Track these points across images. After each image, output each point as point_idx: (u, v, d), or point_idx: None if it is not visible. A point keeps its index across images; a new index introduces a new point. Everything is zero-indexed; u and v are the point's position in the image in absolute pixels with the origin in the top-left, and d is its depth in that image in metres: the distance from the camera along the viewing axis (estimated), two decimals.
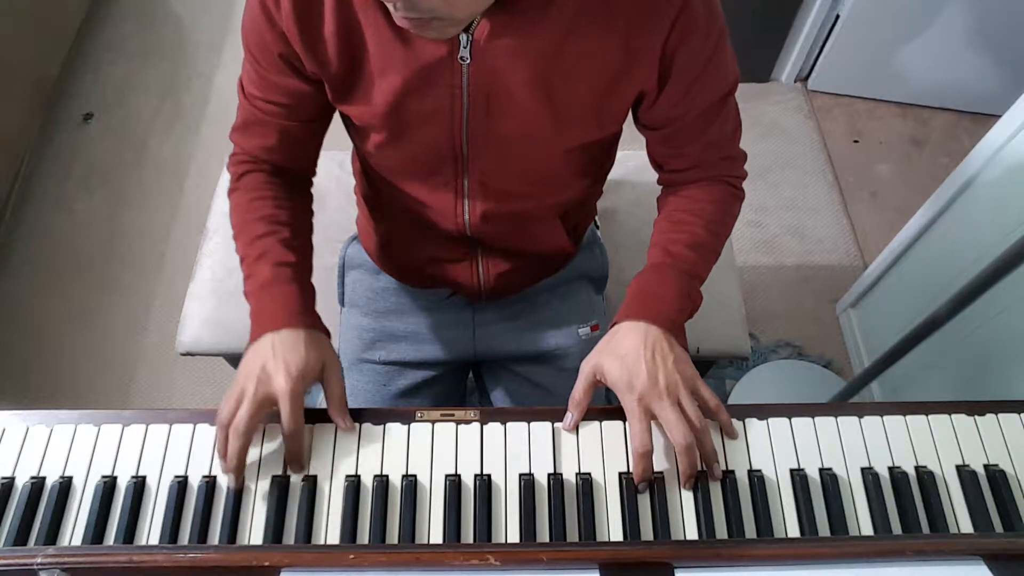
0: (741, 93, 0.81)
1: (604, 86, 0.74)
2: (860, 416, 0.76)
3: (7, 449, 0.73)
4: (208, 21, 2.45)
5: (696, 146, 0.83)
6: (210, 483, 0.71)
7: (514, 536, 0.69)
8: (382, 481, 0.71)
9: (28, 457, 0.72)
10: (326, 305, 1.13)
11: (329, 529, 0.69)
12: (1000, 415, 0.76)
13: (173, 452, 0.73)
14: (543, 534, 0.68)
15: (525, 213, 0.90)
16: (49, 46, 2.16)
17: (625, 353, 0.74)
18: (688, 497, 0.71)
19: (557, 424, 0.75)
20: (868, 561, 0.55)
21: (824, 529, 0.70)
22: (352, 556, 0.55)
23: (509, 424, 0.75)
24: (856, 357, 1.73)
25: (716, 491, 0.72)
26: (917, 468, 0.73)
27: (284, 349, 0.73)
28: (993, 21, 1.89)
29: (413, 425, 0.75)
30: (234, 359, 1.22)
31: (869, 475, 0.72)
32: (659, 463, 0.73)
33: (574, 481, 0.72)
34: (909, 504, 0.70)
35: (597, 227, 1.16)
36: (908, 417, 0.76)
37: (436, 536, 0.69)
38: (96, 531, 0.68)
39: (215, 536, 0.69)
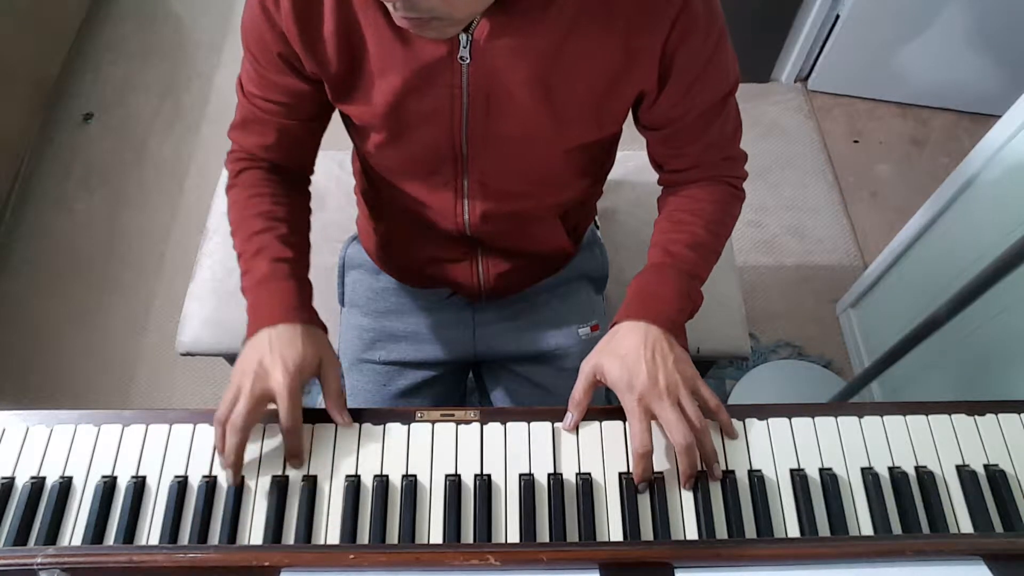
0: (741, 93, 0.81)
1: (604, 86, 0.74)
2: (860, 416, 0.76)
3: (7, 449, 0.73)
4: (208, 21, 2.45)
5: (696, 146, 0.83)
6: (210, 483, 0.71)
7: (514, 536, 0.69)
8: (382, 481, 0.71)
9: (28, 457, 0.72)
10: (326, 305, 1.13)
11: (329, 529, 0.69)
12: (1000, 415, 0.76)
13: (173, 452, 0.73)
14: (543, 534, 0.68)
15: (525, 213, 0.90)
16: (49, 46, 2.16)
17: (625, 353, 0.74)
18: (688, 497, 0.71)
19: (557, 424, 0.75)
20: (868, 561, 0.55)
21: (824, 529, 0.70)
22: (352, 556, 0.55)
23: (509, 424, 0.75)
24: (856, 357, 1.73)
25: (716, 491, 0.72)
26: (917, 468, 0.73)
27: (281, 344, 0.73)
28: (993, 21, 1.89)
29: (413, 425, 0.75)
30: (234, 359, 1.22)
31: (869, 475, 0.72)
32: (659, 463, 0.73)
33: (574, 481, 0.72)
34: (909, 504, 0.70)
35: (597, 227, 1.16)
36: (908, 417, 0.76)
37: (436, 536, 0.69)
38: (96, 531, 0.68)
39: (215, 536, 0.69)
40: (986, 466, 0.73)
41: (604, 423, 0.76)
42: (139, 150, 2.13)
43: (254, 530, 0.69)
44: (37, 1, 2.07)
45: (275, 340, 0.73)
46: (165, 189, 2.05)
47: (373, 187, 0.95)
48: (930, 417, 0.76)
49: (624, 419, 0.74)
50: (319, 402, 0.78)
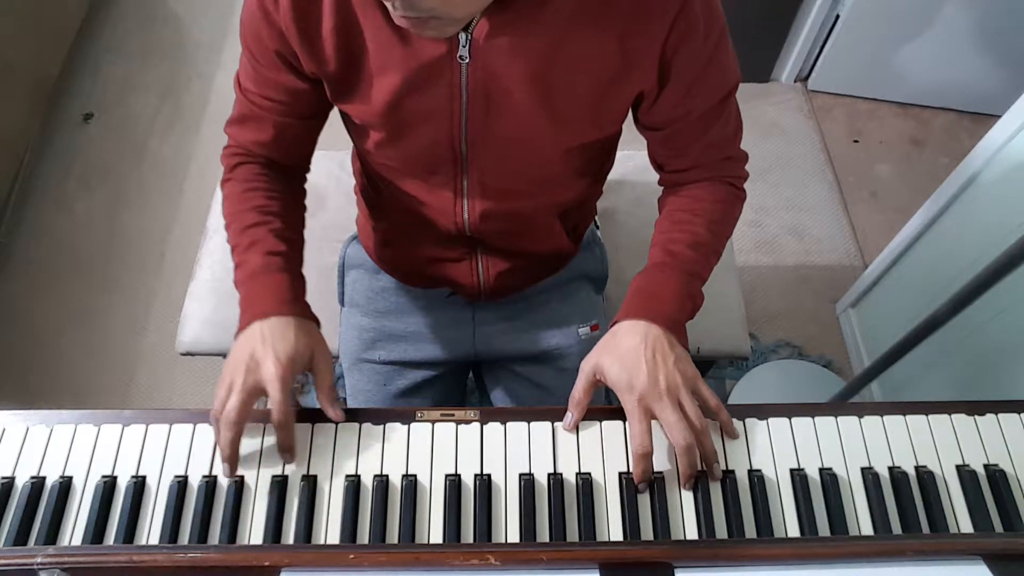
0: (741, 93, 0.81)
1: (603, 86, 0.74)
2: (860, 416, 0.76)
3: (7, 449, 0.73)
4: (208, 21, 2.45)
5: (697, 147, 0.83)
6: (210, 483, 0.71)
7: (514, 536, 0.69)
8: (382, 481, 0.71)
9: (28, 457, 0.72)
10: (326, 305, 1.13)
11: (329, 529, 0.69)
12: (1000, 415, 0.76)
13: (173, 452, 0.73)
14: (543, 534, 0.69)
15: (524, 213, 0.90)
16: (49, 46, 2.16)
17: (625, 352, 0.74)
18: (688, 497, 0.71)
19: (557, 424, 0.75)
20: (868, 561, 0.55)
21: (824, 529, 0.70)
22: (352, 556, 0.55)
23: (509, 424, 0.75)
24: (856, 357, 1.73)
25: (716, 491, 0.72)
26: (917, 468, 0.73)
27: (273, 337, 0.73)
28: (993, 21, 1.89)
29: (413, 425, 0.75)
30: None
31: (869, 475, 0.72)
32: (659, 463, 0.73)
33: (574, 481, 0.72)
34: (909, 504, 0.70)
35: (597, 227, 1.16)
36: (908, 417, 0.76)
37: (436, 536, 0.69)
38: (96, 531, 0.68)
39: (215, 536, 0.69)
40: (986, 466, 0.73)
41: (604, 423, 0.76)
42: (139, 150, 2.13)
43: (254, 530, 0.69)
44: (37, 1, 2.07)
45: (267, 332, 0.73)
46: (165, 189, 2.05)
47: (373, 186, 0.95)
48: (930, 417, 0.76)
49: (624, 419, 0.74)
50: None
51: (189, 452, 0.73)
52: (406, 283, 1.04)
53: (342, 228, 1.18)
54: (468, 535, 0.69)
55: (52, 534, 0.68)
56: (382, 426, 0.75)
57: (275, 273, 0.78)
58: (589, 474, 0.72)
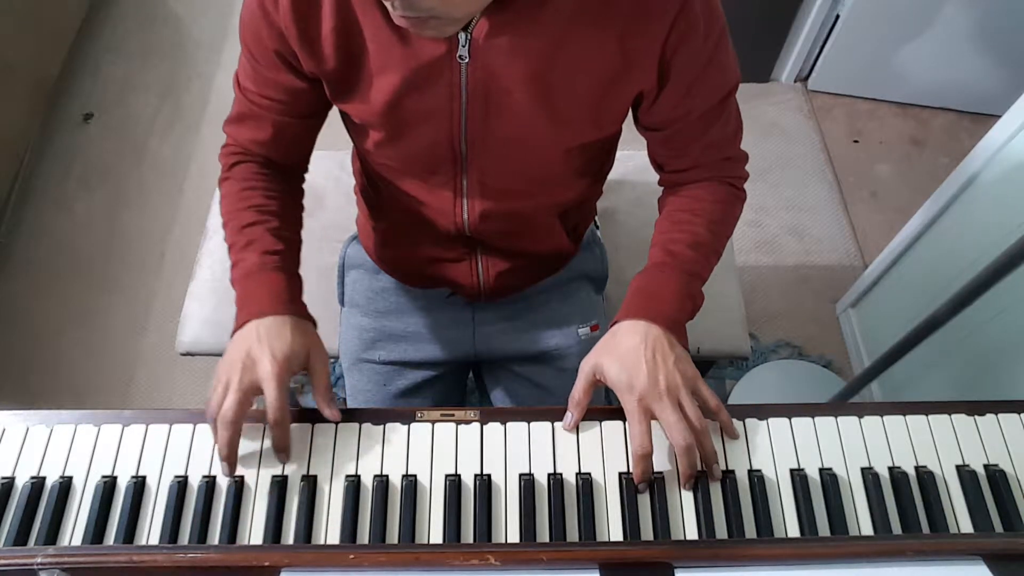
0: (741, 93, 0.81)
1: (602, 86, 0.74)
2: (860, 416, 0.76)
3: (7, 449, 0.73)
4: (208, 21, 2.45)
5: (697, 147, 0.83)
6: (210, 483, 0.71)
7: (514, 536, 0.69)
8: (382, 481, 0.71)
9: (28, 457, 0.72)
10: (326, 305, 1.13)
11: (329, 529, 0.69)
12: (1000, 415, 0.76)
13: (173, 452, 0.73)
14: (543, 534, 0.69)
15: (524, 213, 0.90)
16: (49, 46, 2.16)
17: (625, 352, 0.74)
18: (688, 497, 0.71)
19: (557, 424, 0.75)
20: (868, 561, 0.55)
21: (824, 529, 0.70)
22: (352, 556, 0.55)
23: (509, 424, 0.75)
24: (856, 357, 1.73)
25: (716, 491, 0.72)
26: (917, 468, 0.73)
27: (269, 335, 0.73)
28: (993, 21, 1.89)
29: (413, 425, 0.75)
30: None
31: (869, 475, 0.72)
32: (659, 463, 0.73)
33: (574, 481, 0.72)
34: (909, 504, 0.70)
35: (597, 227, 1.16)
36: (908, 417, 0.76)
37: (436, 536, 0.69)
38: (96, 531, 0.68)
39: (215, 536, 0.69)
40: (986, 466, 0.73)
41: (604, 423, 0.76)
42: (139, 150, 2.13)
43: (254, 530, 0.69)
44: (37, 1, 2.07)
45: (263, 331, 0.73)
46: (165, 189, 2.05)
47: (373, 186, 0.95)
48: (930, 417, 0.76)
49: (624, 419, 0.74)
50: None
51: (189, 452, 0.73)
52: (406, 283, 1.04)
53: (342, 228, 1.18)
54: (468, 535, 0.69)
55: (52, 534, 0.68)
56: (382, 426, 0.75)
57: (272, 272, 0.78)
58: (589, 474, 0.72)
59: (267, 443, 0.74)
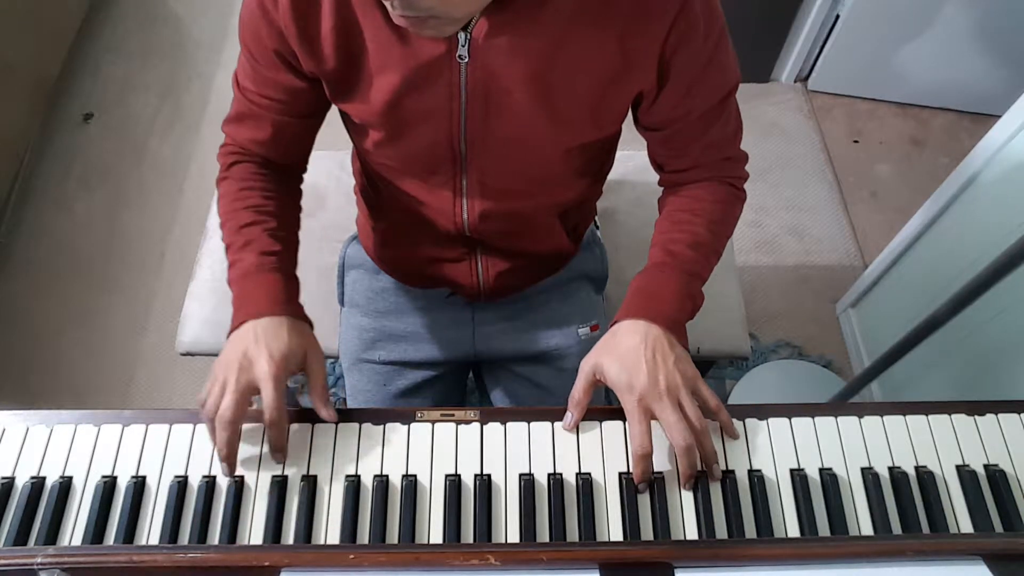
0: (741, 93, 0.81)
1: (602, 86, 0.74)
2: (860, 416, 0.76)
3: (7, 449, 0.73)
4: (208, 21, 2.45)
5: (697, 147, 0.83)
6: (210, 483, 0.71)
7: (514, 536, 0.69)
8: (382, 481, 0.71)
9: (28, 457, 0.72)
10: (326, 305, 1.13)
11: (329, 529, 0.69)
12: (1000, 415, 0.76)
13: (173, 452, 0.73)
14: (543, 534, 0.69)
15: (524, 213, 0.90)
16: (49, 46, 2.16)
17: (625, 352, 0.74)
18: (688, 497, 0.71)
19: (557, 424, 0.75)
20: (868, 561, 0.55)
21: (824, 529, 0.70)
22: (352, 556, 0.55)
23: (509, 424, 0.75)
24: (856, 357, 1.73)
25: (716, 491, 0.72)
26: (917, 468, 0.73)
27: (267, 336, 0.73)
28: (993, 21, 1.89)
29: (413, 425, 0.75)
30: None
31: (869, 475, 0.72)
32: (659, 463, 0.73)
33: (574, 481, 0.72)
34: (909, 504, 0.70)
35: (597, 227, 1.16)
36: (908, 417, 0.76)
37: (436, 536, 0.69)
38: (96, 531, 0.68)
39: (215, 536, 0.69)
40: (986, 466, 0.73)
41: (604, 423, 0.76)
42: (139, 150, 2.13)
43: (254, 530, 0.69)
44: (37, 1, 2.07)
45: (260, 332, 0.73)
46: (165, 189, 2.05)
47: (372, 186, 0.95)
48: (930, 417, 0.76)
49: (624, 419, 0.74)
50: None
51: (189, 452, 0.73)
52: (406, 283, 1.04)
53: (342, 228, 1.18)
54: (468, 535, 0.69)
55: (52, 534, 0.68)
56: (382, 426, 0.75)
57: (269, 273, 0.78)
58: (589, 474, 0.72)
59: (267, 444, 0.74)
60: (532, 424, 0.75)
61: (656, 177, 0.91)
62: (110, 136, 2.17)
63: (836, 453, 0.74)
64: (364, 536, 0.69)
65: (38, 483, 0.70)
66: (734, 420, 0.75)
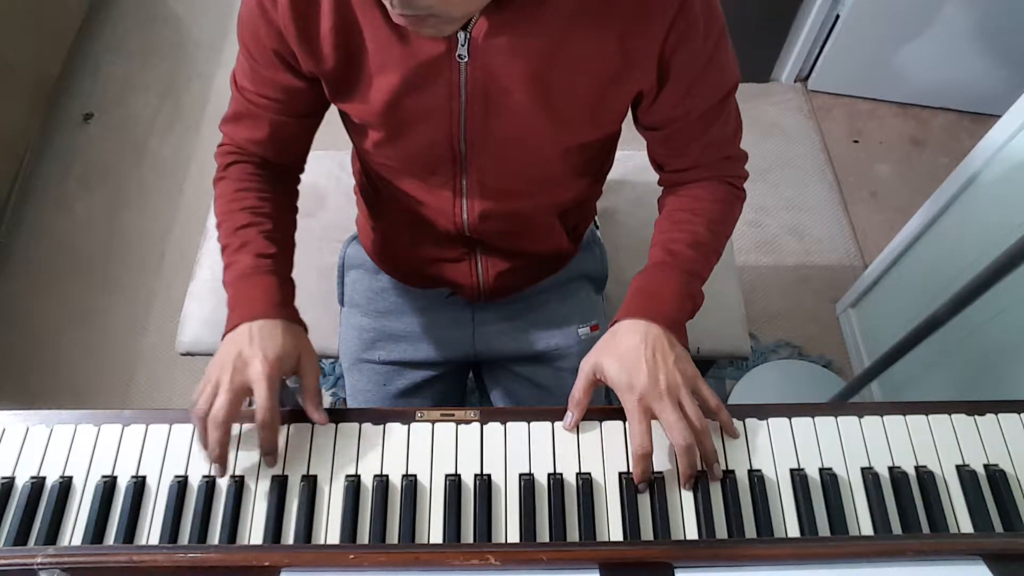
0: (741, 93, 0.81)
1: (602, 86, 0.74)
2: (860, 416, 0.76)
3: (7, 449, 0.73)
4: (208, 21, 2.45)
5: (697, 146, 0.83)
6: (210, 483, 0.71)
7: (514, 536, 0.69)
8: (382, 481, 0.71)
9: (28, 457, 0.72)
10: (326, 305, 1.13)
11: (329, 529, 0.69)
12: (1000, 415, 0.76)
13: (173, 452, 0.73)
14: (543, 534, 0.68)
15: (524, 212, 0.90)
16: (49, 46, 2.16)
17: (625, 352, 0.74)
18: (688, 497, 0.71)
19: (557, 424, 0.75)
20: (868, 561, 0.55)
21: (824, 529, 0.70)
22: (352, 556, 0.55)
23: (509, 424, 0.75)
24: (856, 357, 1.73)
25: (716, 491, 0.72)
26: (917, 468, 0.73)
27: (261, 337, 0.73)
28: (993, 21, 1.89)
29: (413, 425, 0.75)
30: None
31: (869, 475, 0.72)
32: (659, 463, 0.73)
33: (574, 481, 0.72)
34: (909, 504, 0.70)
35: (597, 227, 1.16)
36: (908, 417, 0.76)
37: (436, 536, 0.69)
38: (96, 531, 0.68)
39: (215, 536, 0.69)
40: (986, 466, 0.73)
41: (604, 423, 0.76)
42: (139, 150, 2.14)
43: (254, 530, 0.69)
44: (37, 1, 2.07)
45: (255, 333, 0.73)
46: (165, 189, 2.05)
47: (372, 186, 0.95)
48: (930, 417, 0.76)
49: (624, 419, 0.74)
50: None
51: (189, 452, 0.73)
52: (406, 283, 1.04)
53: (342, 228, 1.18)
54: (468, 535, 0.69)
55: (52, 534, 0.68)
56: (382, 426, 0.75)
57: (265, 275, 0.78)
58: (589, 474, 0.72)
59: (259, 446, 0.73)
60: (532, 424, 0.75)
61: (656, 177, 0.91)
62: (110, 136, 2.17)
63: (836, 453, 0.74)
64: (364, 536, 0.69)
65: (38, 483, 0.70)
66: (734, 420, 0.75)
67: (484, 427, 0.75)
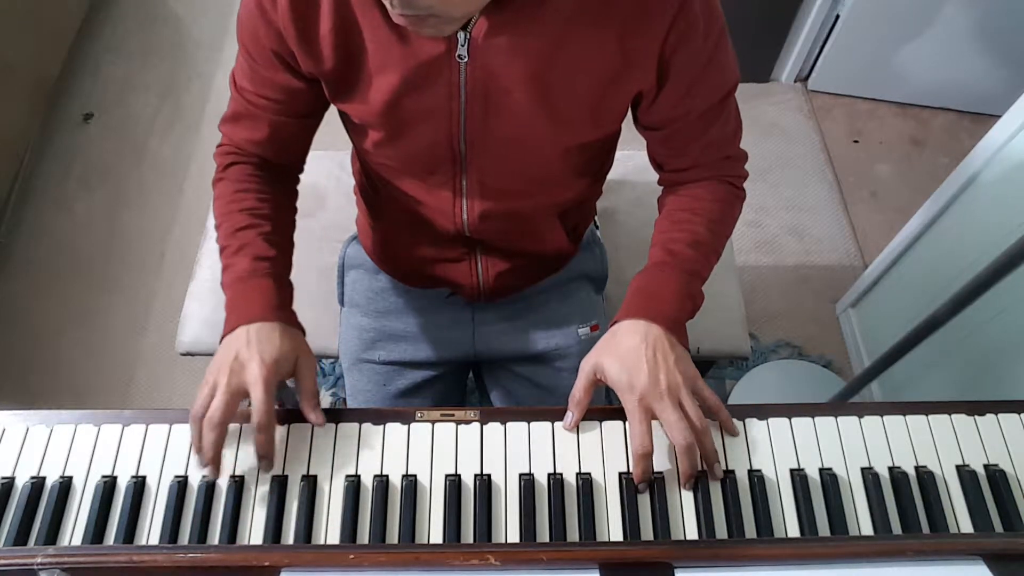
0: (741, 93, 0.81)
1: (602, 86, 0.74)
2: (860, 416, 0.76)
3: (7, 449, 0.73)
4: (208, 21, 2.45)
5: (697, 146, 0.83)
6: (210, 483, 0.71)
7: (514, 536, 0.69)
8: (382, 481, 0.71)
9: (28, 457, 0.72)
10: (326, 305, 1.13)
11: (329, 529, 0.69)
12: (1000, 415, 0.76)
13: (173, 452, 0.73)
14: (543, 534, 0.68)
15: (524, 212, 0.90)
16: (49, 46, 2.16)
17: (625, 352, 0.74)
18: (688, 497, 0.71)
19: (557, 424, 0.75)
20: (868, 561, 0.55)
21: (824, 529, 0.70)
22: (352, 556, 0.55)
23: (509, 424, 0.75)
24: (856, 357, 1.73)
25: (716, 491, 0.72)
26: (917, 468, 0.73)
27: (258, 340, 0.73)
28: (993, 21, 1.89)
29: (413, 425, 0.75)
30: None
31: (869, 475, 0.72)
32: (659, 463, 0.73)
33: (574, 481, 0.72)
34: (909, 504, 0.70)
35: (597, 227, 1.16)
36: (908, 417, 0.76)
37: (436, 536, 0.69)
38: (96, 531, 0.68)
39: (215, 536, 0.69)
40: (986, 466, 0.73)
41: (604, 423, 0.76)
42: (139, 150, 2.14)
43: (254, 530, 0.69)
44: (37, 1, 2.07)
45: (253, 336, 0.73)
46: (165, 189, 2.05)
47: (372, 186, 0.95)
48: (930, 417, 0.76)
49: (624, 419, 0.74)
50: None
51: (189, 452, 0.73)
52: (406, 283, 1.04)
53: (342, 228, 1.18)
54: (468, 535, 0.69)
55: (52, 534, 0.68)
56: (382, 426, 0.75)
57: (262, 279, 0.78)
58: (589, 474, 0.72)
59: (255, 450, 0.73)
60: (532, 424, 0.75)
61: (656, 177, 0.91)
62: (110, 136, 2.17)
63: (836, 453, 0.74)
64: (364, 536, 0.69)
65: (38, 483, 0.70)
66: (734, 420, 0.75)
67: (484, 427, 0.75)
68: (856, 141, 2.15)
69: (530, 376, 1.02)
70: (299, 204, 0.92)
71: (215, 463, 0.70)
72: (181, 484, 0.71)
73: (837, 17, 2.01)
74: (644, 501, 0.71)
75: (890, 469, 0.73)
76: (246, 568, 0.55)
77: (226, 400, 0.70)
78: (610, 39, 0.70)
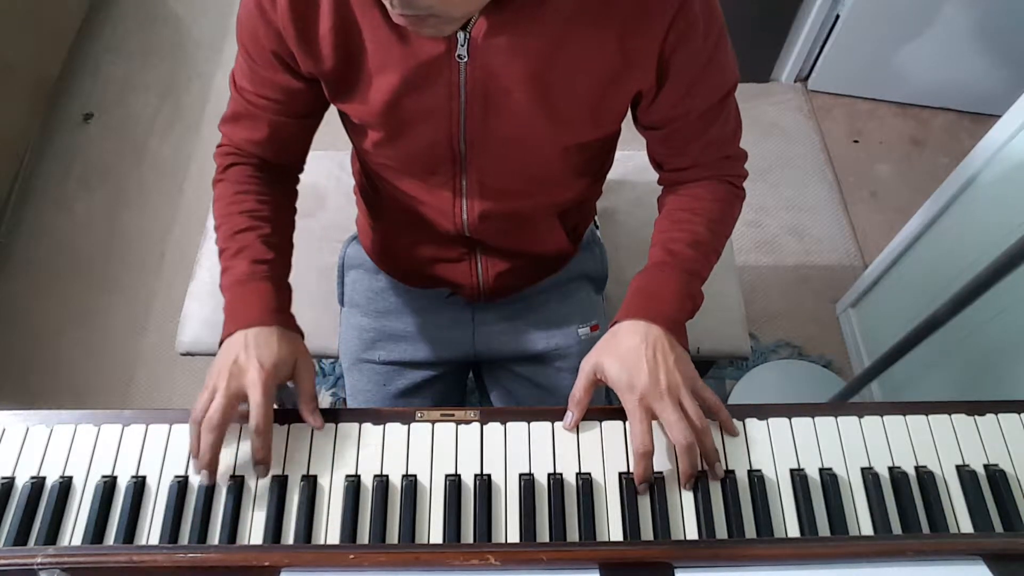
0: (741, 93, 0.81)
1: (601, 86, 0.74)
2: (860, 416, 0.76)
3: (7, 449, 0.73)
4: (208, 21, 2.45)
5: (696, 146, 0.83)
6: (210, 483, 0.71)
7: (514, 536, 0.69)
8: (382, 481, 0.71)
9: (28, 457, 0.72)
10: (326, 305, 1.13)
11: (329, 529, 0.69)
12: (1000, 415, 0.76)
13: (173, 452, 0.73)
14: (543, 534, 0.68)
15: (524, 212, 0.90)
16: (49, 46, 2.16)
17: (626, 352, 0.74)
18: (688, 497, 0.71)
19: (557, 424, 0.75)
20: (868, 561, 0.55)
21: (824, 529, 0.70)
22: (352, 556, 0.55)
23: (509, 424, 0.75)
24: (856, 357, 1.73)
25: (716, 491, 0.72)
26: (917, 468, 0.73)
27: (257, 344, 0.73)
28: (993, 21, 1.89)
29: (413, 425, 0.75)
30: None
31: (869, 475, 0.72)
32: (659, 463, 0.73)
33: (574, 481, 0.72)
34: (909, 504, 0.70)
35: (597, 227, 1.16)
36: (908, 417, 0.76)
37: (436, 536, 0.69)
38: (96, 531, 0.68)
39: (215, 536, 0.69)
40: (986, 466, 0.73)
41: (604, 423, 0.76)
42: (139, 150, 2.14)
43: (254, 530, 0.69)
44: (37, 1, 2.07)
45: (251, 340, 0.73)
46: (165, 189, 2.05)
47: (372, 186, 0.95)
48: (930, 417, 0.76)
49: (624, 419, 0.74)
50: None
51: (189, 452, 0.73)
52: (406, 283, 1.04)
53: (342, 228, 1.18)
54: (468, 535, 0.69)
55: (52, 534, 0.68)
56: (382, 426, 0.75)
57: (261, 282, 0.78)
58: (589, 474, 0.72)
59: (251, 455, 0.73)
60: (532, 424, 0.75)
61: (656, 176, 0.91)
62: (110, 136, 2.17)
63: (836, 453, 0.74)
64: (364, 536, 0.69)
65: (38, 483, 0.70)
66: (734, 420, 0.75)
67: (484, 427, 0.75)
68: (856, 141, 2.15)
69: (530, 376, 1.02)
70: (299, 204, 0.92)
71: (211, 468, 0.70)
72: (181, 484, 0.71)
73: (837, 17, 2.01)
74: (644, 501, 0.71)
75: (890, 469, 0.73)
76: (246, 568, 0.55)
77: (225, 403, 0.70)
78: (610, 39, 0.70)
